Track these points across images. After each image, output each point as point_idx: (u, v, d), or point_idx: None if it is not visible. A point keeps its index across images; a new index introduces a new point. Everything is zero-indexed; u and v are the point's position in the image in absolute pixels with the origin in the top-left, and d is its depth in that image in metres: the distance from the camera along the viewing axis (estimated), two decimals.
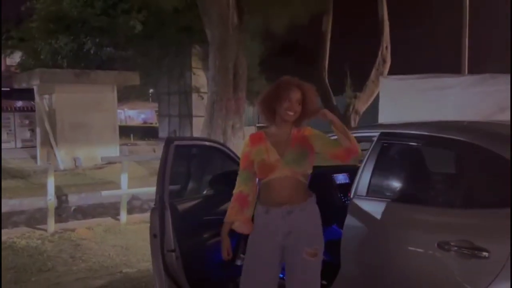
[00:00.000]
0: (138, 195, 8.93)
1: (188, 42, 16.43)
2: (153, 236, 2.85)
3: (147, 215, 7.38)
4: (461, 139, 2.60)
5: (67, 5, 14.46)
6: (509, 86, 5.28)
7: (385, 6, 17.80)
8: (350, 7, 18.47)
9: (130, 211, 7.69)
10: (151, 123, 34.98)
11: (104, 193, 7.47)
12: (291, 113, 2.54)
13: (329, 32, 19.48)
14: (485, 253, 2.20)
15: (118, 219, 7.15)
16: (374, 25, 18.10)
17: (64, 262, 5.14)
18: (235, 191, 2.71)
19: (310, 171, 2.66)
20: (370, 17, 18.26)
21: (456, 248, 2.29)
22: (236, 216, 2.66)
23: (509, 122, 2.89)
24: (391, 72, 17.14)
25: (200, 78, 17.83)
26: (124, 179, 7.15)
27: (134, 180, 9.59)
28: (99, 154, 12.13)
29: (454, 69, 13.95)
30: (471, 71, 12.08)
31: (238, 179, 2.71)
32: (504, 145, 2.42)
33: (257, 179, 2.70)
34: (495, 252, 2.17)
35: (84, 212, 9.05)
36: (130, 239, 6.09)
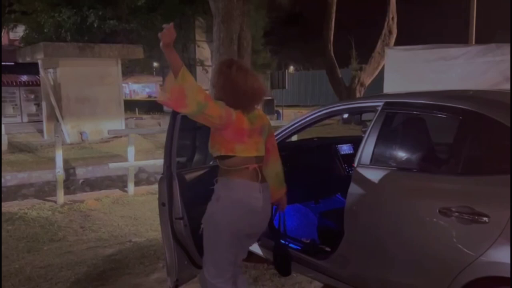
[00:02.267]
0: (145, 167, 9.05)
1: (192, 14, 16.29)
2: (161, 204, 2.92)
3: (154, 187, 7.55)
4: (463, 107, 2.63)
5: None
6: None
7: None
8: None
9: (137, 183, 7.80)
10: (156, 97, 34.92)
11: (112, 165, 7.56)
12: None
13: (335, 3, 19.23)
14: (485, 218, 2.26)
15: (125, 191, 7.26)
16: None
17: (75, 232, 5.26)
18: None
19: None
20: None
21: (457, 214, 2.35)
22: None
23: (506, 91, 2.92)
24: (397, 43, 16.97)
25: (204, 51, 17.75)
26: (130, 151, 7.23)
27: (140, 153, 9.71)
28: (104, 128, 12.21)
29: (462, 40, 13.84)
30: (479, 42, 11.96)
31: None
32: (505, 113, 2.46)
33: None
34: (495, 217, 2.23)
35: (92, 185, 9.20)
36: (138, 209, 6.21)
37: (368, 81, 19.35)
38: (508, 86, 5.02)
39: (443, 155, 2.95)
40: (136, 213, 6.00)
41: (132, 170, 7.33)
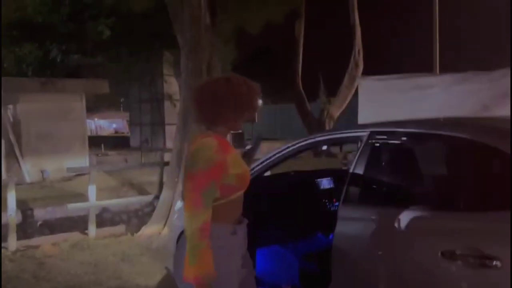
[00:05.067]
0: (109, 207, 8.50)
1: (159, 48, 16.07)
2: None
3: (118, 228, 7.02)
4: (461, 135, 2.38)
5: (31, 11, 13.92)
6: (491, 84, 5.16)
7: (356, 11, 17.84)
8: (322, 11, 18.52)
9: (100, 224, 7.25)
10: (123, 133, 34.26)
11: (70, 206, 7.03)
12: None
13: (302, 37, 19.42)
14: (496, 262, 1.96)
15: (86, 234, 6.72)
16: (347, 29, 18.15)
17: (26, 283, 4.72)
18: (199, 224, 2.01)
19: None
20: (342, 21, 18.31)
21: (463, 257, 2.05)
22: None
23: (499, 117, 2.70)
24: (367, 75, 17.13)
25: (172, 85, 17.45)
26: (91, 190, 6.73)
27: (105, 192, 9.14)
28: (67, 165, 11.61)
29: (426, 68, 14.21)
30: (444, 69, 12.19)
31: (203, 199, 2.04)
32: (506, 140, 2.21)
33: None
34: (507, 260, 1.94)
35: (52, 227, 8.54)
36: (99, 254, 5.69)
37: (336, 113, 19.52)
38: (487, 115, 4.87)
39: (441, 188, 2.67)
40: (97, 259, 5.49)
41: (94, 210, 6.82)
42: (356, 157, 2.69)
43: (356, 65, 18.01)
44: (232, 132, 2.35)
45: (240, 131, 2.08)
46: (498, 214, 2.08)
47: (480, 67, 5.86)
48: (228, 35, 12.67)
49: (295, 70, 19.81)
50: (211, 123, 2.21)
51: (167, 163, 7.53)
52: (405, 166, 2.72)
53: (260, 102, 2.25)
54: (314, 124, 19.64)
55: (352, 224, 2.51)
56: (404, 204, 2.49)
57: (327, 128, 18.71)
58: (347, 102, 18.61)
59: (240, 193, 2.21)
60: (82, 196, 9.47)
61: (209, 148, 2.10)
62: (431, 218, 2.28)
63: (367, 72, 17.10)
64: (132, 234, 6.54)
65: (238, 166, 2.18)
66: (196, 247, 1.99)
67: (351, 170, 2.67)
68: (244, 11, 8.62)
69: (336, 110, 19.24)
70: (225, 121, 2.19)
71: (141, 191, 9.52)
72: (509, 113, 3.96)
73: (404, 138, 2.62)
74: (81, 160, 13.08)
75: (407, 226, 2.32)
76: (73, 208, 7.20)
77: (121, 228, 7.10)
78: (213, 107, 2.17)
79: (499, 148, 2.19)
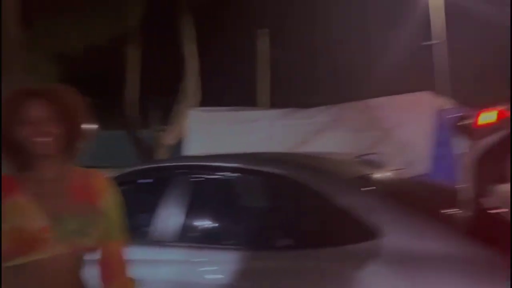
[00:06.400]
0: None
1: None
2: None
3: None
4: (276, 172, 2.39)
5: None
6: (310, 120, 5.61)
7: (189, 42, 18.19)
8: (155, 39, 18.36)
9: None
10: None
11: None
12: (39, 140, 1.51)
13: (139, 63, 19.02)
14: None
15: None
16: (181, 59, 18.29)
17: None
18: None
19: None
20: (175, 51, 18.42)
21: None
22: None
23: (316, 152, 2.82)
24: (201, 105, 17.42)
25: None
26: None
27: None
28: None
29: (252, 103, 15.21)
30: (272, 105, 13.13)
31: None
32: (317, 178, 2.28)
33: None
34: None
35: None
36: None
37: (170, 142, 19.35)
38: (305, 149, 5.19)
39: (258, 226, 2.63)
40: None
41: None
42: (170, 192, 2.49)
43: (186, 95, 18.22)
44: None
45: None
46: (311, 252, 2.10)
47: (300, 104, 6.32)
48: (48, 55, 11.60)
49: (125, 97, 19.25)
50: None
51: None
52: (223, 202, 2.63)
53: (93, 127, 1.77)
54: (146, 152, 19.13)
55: (162, 267, 2.28)
56: (219, 243, 2.39)
57: (160, 156, 18.39)
58: (180, 131, 18.64)
59: (33, 260, 1.46)
60: None
61: None
62: (247, 258, 2.20)
63: (205, 102, 17.45)
64: None
65: (13, 219, 1.47)
66: None
67: (161, 207, 2.46)
68: (62, 29, 7.96)
69: (170, 139, 19.06)
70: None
71: None
72: (326, 149, 4.27)
73: (224, 172, 2.54)
74: None
75: (225, 267, 2.20)
76: None
77: None
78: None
79: (309, 185, 2.25)
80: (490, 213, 2.06)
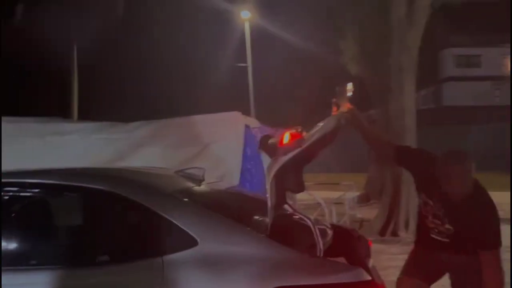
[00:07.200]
0: None
1: None
2: None
3: None
4: (99, 187, 2.42)
5: None
6: (127, 135, 5.56)
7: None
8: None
9: None
10: None
11: None
12: None
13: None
14: None
15: None
16: None
17: None
18: None
19: None
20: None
21: None
22: None
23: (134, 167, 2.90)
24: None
25: None
26: None
27: None
28: None
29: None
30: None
31: None
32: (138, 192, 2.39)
33: None
34: None
35: None
36: None
37: None
38: (123, 164, 5.15)
39: (79, 243, 2.60)
40: None
41: None
42: None
43: None
44: None
45: None
46: (132, 265, 2.18)
47: (117, 118, 6.23)
48: None
49: None
50: None
51: None
52: (39, 221, 2.52)
53: None
54: None
55: None
56: (36, 264, 2.29)
57: None
58: None
59: None
60: None
61: None
62: (66, 276, 2.17)
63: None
64: None
65: None
66: None
67: None
68: None
69: None
70: None
71: None
72: (143, 164, 4.33)
73: (35, 190, 2.44)
74: None
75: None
76: None
77: None
78: None
79: (132, 198, 2.33)
80: (290, 217, 2.46)
